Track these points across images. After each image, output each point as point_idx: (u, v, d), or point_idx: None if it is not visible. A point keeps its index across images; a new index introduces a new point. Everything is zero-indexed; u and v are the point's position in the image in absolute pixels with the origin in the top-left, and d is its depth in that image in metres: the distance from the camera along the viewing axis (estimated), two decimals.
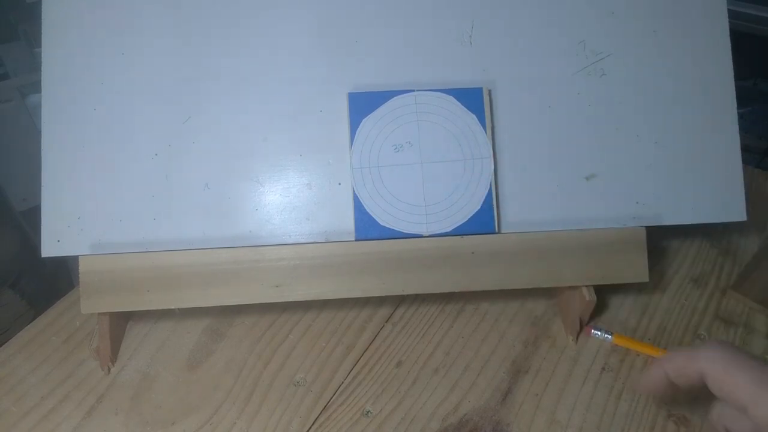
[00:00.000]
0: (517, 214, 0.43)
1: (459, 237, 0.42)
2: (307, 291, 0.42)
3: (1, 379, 0.44)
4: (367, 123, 0.42)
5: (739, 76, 0.44)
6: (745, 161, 0.44)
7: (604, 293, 0.49)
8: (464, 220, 0.42)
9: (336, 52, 0.43)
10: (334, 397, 0.43)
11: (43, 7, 0.42)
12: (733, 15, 0.44)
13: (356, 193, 0.42)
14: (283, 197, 0.42)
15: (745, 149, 0.44)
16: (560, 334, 0.47)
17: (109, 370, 0.45)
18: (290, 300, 0.42)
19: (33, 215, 0.46)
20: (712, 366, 0.30)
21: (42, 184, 0.41)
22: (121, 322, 0.47)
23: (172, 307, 0.41)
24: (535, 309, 0.49)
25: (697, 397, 0.43)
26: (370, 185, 0.42)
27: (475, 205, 0.42)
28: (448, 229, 0.42)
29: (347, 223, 0.42)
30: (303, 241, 0.42)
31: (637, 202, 0.43)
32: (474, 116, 0.42)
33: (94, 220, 0.41)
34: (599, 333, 0.46)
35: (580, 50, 0.44)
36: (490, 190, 0.42)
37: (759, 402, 0.28)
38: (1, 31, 1.27)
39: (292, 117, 0.43)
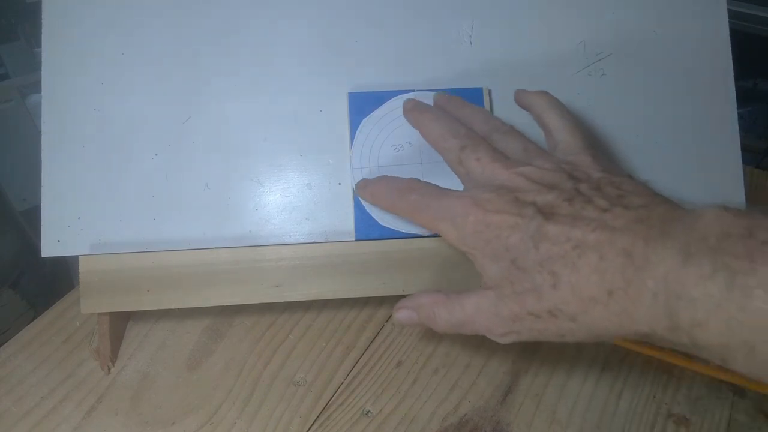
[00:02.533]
0: None
1: None
2: (307, 291, 0.42)
3: (1, 379, 0.44)
4: (367, 123, 0.42)
5: (739, 76, 0.44)
6: (745, 161, 0.44)
7: None
8: None
9: (336, 52, 0.43)
10: (334, 397, 0.43)
11: (43, 7, 0.42)
12: (733, 15, 0.44)
13: (356, 193, 0.42)
14: (283, 197, 0.42)
15: (745, 149, 0.44)
16: None
17: (109, 370, 0.45)
18: (290, 300, 0.42)
19: (33, 215, 0.46)
20: (406, 212, 0.36)
21: (42, 184, 0.41)
22: (121, 322, 0.47)
23: (172, 307, 0.42)
24: None
25: (698, 397, 0.43)
26: None
27: None
28: None
29: (347, 223, 0.42)
30: (303, 241, 0.42)
31: None
32: None
33: (94, 220, 0.41)
34: None
35: (580, 50, 0.44)
36: None
37: (439, 232, 0.33)
38: (1, 31, 1.27)
39: (292, 117, 0.43)
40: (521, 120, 0.43)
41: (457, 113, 0.40)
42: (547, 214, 0.29)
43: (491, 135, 0.37)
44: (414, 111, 0.40)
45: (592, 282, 0.26)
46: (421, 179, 0.36)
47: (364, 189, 0.40)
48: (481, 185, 0.33)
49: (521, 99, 0.40)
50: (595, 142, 0.37)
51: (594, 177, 0.31)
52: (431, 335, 0.47)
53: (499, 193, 0.31)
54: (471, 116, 0.39)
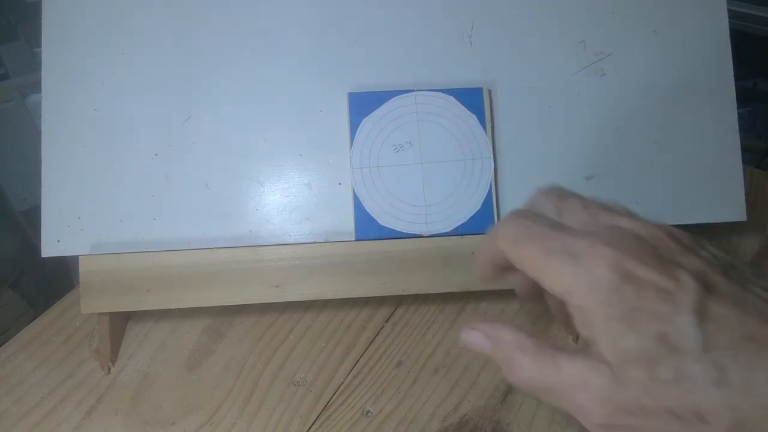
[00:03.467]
0: None
1: (459, 237, 0.42)
2: (307, 291, 0.42)
3: (1, 379, 0.44)
4: (367, 123, 0.42)
5: (739, 76, 0.44)
6: (745, 161, 0.44)
7: None
8: (464, 220, 0.42)
9: (336, 52, 0.43)
10: (334, 397, 0.43)
11: (43, 7, 0.42)
12: (733, 15, 0.44)
13: (356, 193, 0.42)
14: (283, 197, 0.42)
15: (745, 149, 0.44)
16: (560, 334, 0.47)
17: (109, 370, 0.45)
18: (290, 300, 0.42)
19: (33, 215, 0.46)
20: (506, 243, 0.27)
21: (42, 184, 0.41)
22: (121, 322, 0.47)
23: (172, 307, 0.42)
24: (535, 309, 0.49)
25: None
26: (370, 185, 0.42)
27: (475, 205, 0.42)
28: (448, 229, 0.42)
29: (347, 223, 0.42)
30: (303, 241, 0.42)
31: (637, 202, 0.43)
32: (474, 116, 0.42)
33: (94, 220, 0.41)
34: None
35: (580, 50, 0.44)
36: (490, 190, 0.42)
37: (544, 272, 0.25)
38: (1, 31, 1.27)
39: (292, 117, 0.43)
40: (522, 126, 0.43)
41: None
42: (708, 286, 0.23)
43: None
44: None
45: None
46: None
47: (490, 229, 0.30)
48: (605, 227, 0.25)
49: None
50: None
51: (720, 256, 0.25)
52: (432, 334, 0.47)
53: (639, 242, 0.24)
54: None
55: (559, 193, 0.28)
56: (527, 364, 0.25)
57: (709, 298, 0.22)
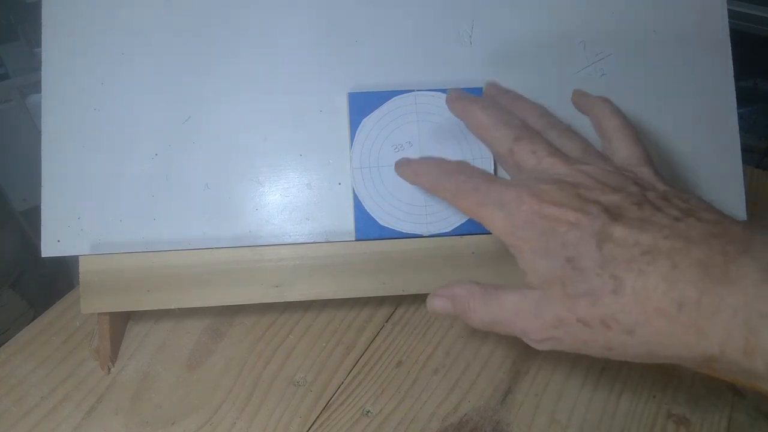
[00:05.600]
0: None
1: (459, 237, 0.42)
2: (307, 291, 0.42)
3: (1, 379, 0.44)
4: (367, 123, 0.42)
5: (739, 76, 0.44)
6: (745, 161, 0.44)
7: None
8: (464, 220, 0.42)
9: (336, 52, 0.43)
10: (334, 397, 0.43)
11: (43, 7, 0.42)
12: (733, 15, 0.44)
13: (356, 193, 0.42)
14: (283, 197, 0.42)
15: (745, 149, 0.44)
16: None
17: (109, 370, 0.45)
18: (290, 300, 0.42)
19: (33, 215, 0.46)
20: (427, 182, 0.35)
21: (42, 184, 0.41)
22: (121, 322, 0.47)
23: (172, 307, 0.42)
24: None
25: (698, 397, 0.43)
26: (370, 185, 0.42)
27: None
28: (448, 229, 0.42)
29: (347, 223, 0.42)
30: (303, 241, 0.42)
31: None
32: None
33: (94, 220, 0.41)
34: None
35: (580, 50, 0.44)
36: None
37: (482, 220, 0.31)
38: (1, 31, 1.27)
39: (292, 117, 0.43)
40: None
41: (509, 106, 0.37)
42: (614, 214, 0.27)
43: (546, 132, 0.34)
44: (460, 100, 0.37)
45: (660, 290, 0.24)
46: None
47: (405, 167, 0.36)
48: (536, 177, 0.30)
49: (580, 101, 0.38)
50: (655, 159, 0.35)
51: (660, 188, 0.29)
52: (432, 334, 0.47)
53: (559, 186, 0.28)
54: (525, 111, 0.36)
55: (516, 135, 0.33)
56: (479, 307, 0.30)
57: (612, 223, 0.26)
